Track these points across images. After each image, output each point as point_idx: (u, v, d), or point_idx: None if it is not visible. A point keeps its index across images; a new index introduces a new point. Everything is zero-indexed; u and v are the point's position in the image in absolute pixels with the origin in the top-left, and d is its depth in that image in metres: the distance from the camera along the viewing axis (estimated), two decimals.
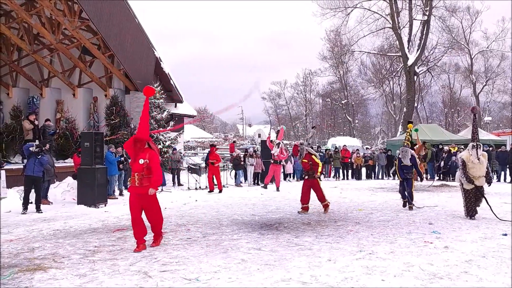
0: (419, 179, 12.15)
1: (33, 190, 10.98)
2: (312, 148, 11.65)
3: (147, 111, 7.02)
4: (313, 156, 10.56)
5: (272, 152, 15.97)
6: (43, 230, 8.35)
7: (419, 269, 5.46)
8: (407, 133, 11.62)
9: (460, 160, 9.48)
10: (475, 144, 9.23)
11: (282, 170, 17.36)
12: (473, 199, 9.32)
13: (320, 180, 10.80)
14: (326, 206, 10.52)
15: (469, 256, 6.09)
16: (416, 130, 19.63)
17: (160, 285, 4.90)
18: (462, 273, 5.30)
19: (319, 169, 10.53)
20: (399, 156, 10.95)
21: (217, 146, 17.29)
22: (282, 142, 15.03)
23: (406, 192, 10.86)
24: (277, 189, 16.17)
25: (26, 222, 9.34)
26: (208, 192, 15.60)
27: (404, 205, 10.99)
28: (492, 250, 6.40)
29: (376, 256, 6.12)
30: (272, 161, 16.47)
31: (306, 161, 10.52)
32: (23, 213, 10.52)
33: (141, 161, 6.70)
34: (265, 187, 16.70)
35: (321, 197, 10.51)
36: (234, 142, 26.81)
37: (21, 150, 15.45)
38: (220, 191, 15.52)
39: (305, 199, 10.48)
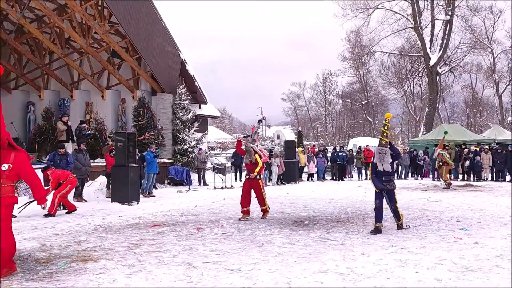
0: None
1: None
2: (257, 145, 10.06)
3: None
4: (256, 155, 9.62)
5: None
6: (84, 225, 8.78)
7: (451, 263, 5.66)
8: (384, 127, 8.20)
9: None
10: None
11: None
12: None
13: (263, 184, 9.83)
14: (265, 211, 9.62)
15: (499, 251, 6.25)
16: (446, 132, 19.61)
17: (206, 275, 5.22)
18: (494, 267, 5.48)
19: (257, 169, 9.51)
20: (374, 161, 8.12)
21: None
22: (260, 143, 13.59)
23: (391, 209, 8.00)
24: None
25: (66, 218, 9.82)
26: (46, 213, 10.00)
27: (376, 231, 7.71)
28: None
29: (408, 251, 6.33)
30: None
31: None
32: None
33: (5, 167, 5.09)
34: None
35: (261, 201, 9.61)
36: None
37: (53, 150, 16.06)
38: (51, 215, 10.07)
39: (245, 202, 9.50)
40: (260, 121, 12.46)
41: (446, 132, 19.44)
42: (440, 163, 17.27)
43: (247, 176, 9.74)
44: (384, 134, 8.04)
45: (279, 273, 5.28)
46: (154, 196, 14.32)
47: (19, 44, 18.68)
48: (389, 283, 4.86)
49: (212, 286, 4.83)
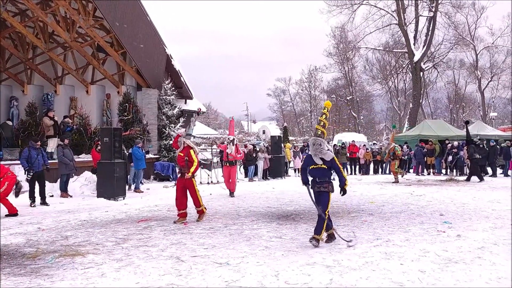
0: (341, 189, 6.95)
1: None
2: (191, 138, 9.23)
3: None
4: (192, 151, 8.76)
5: (228, 151, 13.18)
6: (71, 220, 8.74)
7: (435, 255, 5.79)
8: (322, 116, 6.97)
9: None
10: None
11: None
12: None
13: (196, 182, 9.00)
14: (200, 213, 8.78)
15: (481, 244, 6.41)
16: (394, 126, 20.07)
17: (194, 268, 5.26)
18: (476, 258, 5.64)
19: (193, 169, 8.59)
20: (308, 152, 7.04)
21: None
22: (236, 138, 12.79)
23: (318, 213, 6.60)
24: (231, 194, 13.02)
25: (52, 213, 9.75)
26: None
27: (330, 238, 6.57)
28: (503, 238, 6.71)
29: (393, 244, 6.46)
30: (227, 163, 13.21)
31: (182, 155, 8.72)
32: (32, 206, 10.78)
33: None
34: (232, 195, 13.01)
35: (196, 202, 8.71)
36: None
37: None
38: (15, 214, 9.60)
39: (181, 203, 8.59)
40: (197, 114, 11.24)
41: (394, 126, 20.02)
42: (391, 157, 17.75)
43: (179, 175, 8.86)
44: (321, 124, 6.81)
45: (266, 266, 5.35)
46: (142, 192, 14.27)
47: (2, 38, 18.35)
48: (375, 275, 4.97)
49: (201, 279, 4.88)
